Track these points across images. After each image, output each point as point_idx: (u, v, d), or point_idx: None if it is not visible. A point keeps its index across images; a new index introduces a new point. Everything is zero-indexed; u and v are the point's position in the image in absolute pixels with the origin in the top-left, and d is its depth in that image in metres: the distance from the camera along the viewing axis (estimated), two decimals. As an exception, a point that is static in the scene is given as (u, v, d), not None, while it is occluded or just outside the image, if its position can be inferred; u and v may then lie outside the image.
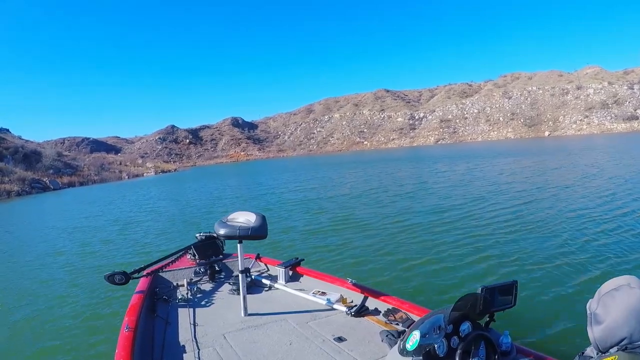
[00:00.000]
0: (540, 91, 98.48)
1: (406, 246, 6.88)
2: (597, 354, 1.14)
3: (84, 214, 16.56)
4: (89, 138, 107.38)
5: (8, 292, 6.42)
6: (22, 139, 64.97)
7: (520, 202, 10.10)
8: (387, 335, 2.37)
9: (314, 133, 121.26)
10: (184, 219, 12.24)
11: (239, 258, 2.98)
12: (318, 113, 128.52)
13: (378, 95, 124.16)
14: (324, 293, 3.14)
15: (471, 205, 10.20)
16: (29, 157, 46.39)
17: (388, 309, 2.76)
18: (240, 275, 2.96)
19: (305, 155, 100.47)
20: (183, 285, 3.59)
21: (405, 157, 41.76)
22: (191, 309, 3.07)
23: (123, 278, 3.26)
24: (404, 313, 2.66)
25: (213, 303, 3.26)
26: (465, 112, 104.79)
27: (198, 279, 3.80)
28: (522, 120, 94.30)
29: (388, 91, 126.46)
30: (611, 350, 1.09)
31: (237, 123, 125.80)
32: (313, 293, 3.17)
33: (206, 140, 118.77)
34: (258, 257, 4.12)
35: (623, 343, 1.07)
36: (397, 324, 2.60)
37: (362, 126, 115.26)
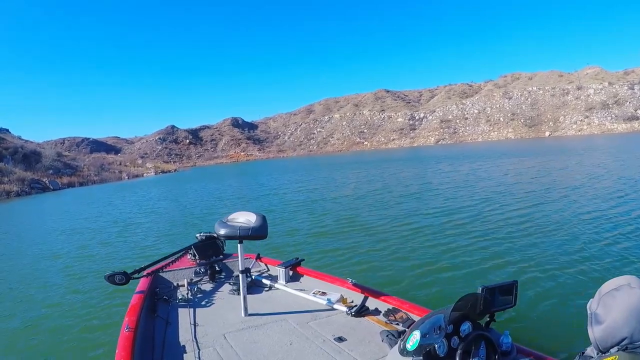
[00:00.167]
0: (541, 91, 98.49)
1: (406, 246, 6.87)
2: (598, 354, 1.14)
3: (84, 214, 16.56)
4: (89, 138, 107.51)
5: (7, 291, 6.43)
6: (22, 139, 65.01)
7: (524, 202, 10.07)
8: (387, 335, 2.38)
9: (314, 133, 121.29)
10: (185, 221, 12.16)
11: (239, 258, 2.98)
12: (318, 113, 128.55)
13: (378, 96, 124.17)
14: (324, 293, 3.14)
15: (475, 206, 10.18)
16: (29, 157, 46.38)
17: (388, 309, 2.76)
18: (240, 275, 2.96)
19: (305, 155, 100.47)
20: (183, 286, 3.59)
21: (407, 158, 41.74)
22: (191, 309, 3.07)
23: (123, 278, 3.27)
24: (405, 313, 2.67)
25: (213, 303, 3.26)
26: (466, 113, 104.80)
27: (198, 279, 3.80)
28: (522, 121, 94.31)
29: (388, 91, 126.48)
30: (612, 350, 1.09)
31: (237, 123, 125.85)
32: (313, 293, 3.17)
33: (206, 141, 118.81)
34: (258, 257, 4.12)
35: (623, 343, 1.07)
36: (398, 324, 2.61)
37: (362, 126, 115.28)
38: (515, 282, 1.86)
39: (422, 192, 13.75)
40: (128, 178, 53.59)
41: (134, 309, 2.73)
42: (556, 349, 3.17)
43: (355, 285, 3.05)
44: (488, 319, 1.88)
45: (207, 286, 3.67)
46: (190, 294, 3.39)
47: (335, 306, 2.97)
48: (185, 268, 3.91)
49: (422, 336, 1.60)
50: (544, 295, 4.40)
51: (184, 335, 2.66)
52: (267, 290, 3.52)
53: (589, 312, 1.16)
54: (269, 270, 3.99)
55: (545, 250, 6.02)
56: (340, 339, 2.48)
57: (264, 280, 3.66)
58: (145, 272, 3.52)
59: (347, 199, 13.71)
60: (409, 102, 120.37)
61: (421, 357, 1.60)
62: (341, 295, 3.07)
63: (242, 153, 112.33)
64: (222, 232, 2.85)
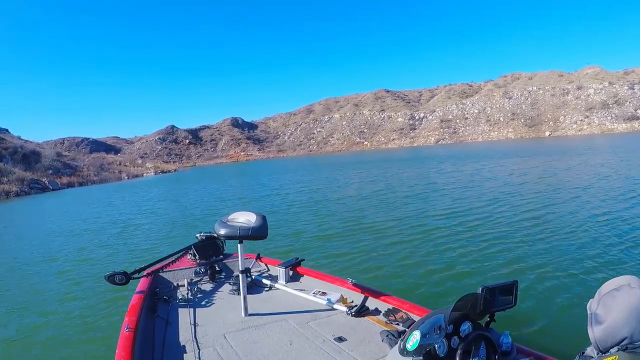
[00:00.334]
0: (541, 91, 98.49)
1: (406, 246, 6.88)
2: (598, 354, 1.14)
3: (83, 215, 16.55)
4: (89, 138, 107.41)
5: (7, 292, 6.43)
6: (22, 139, 64.87)
7: (531, 203, 10.05)
8: (387, 335, 2.38)
9: (314, 133, 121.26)
10: (186, 222, 12.05)
11: (240, 258, 2.98)
12: (318, 113, 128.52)
13: (378, 96, 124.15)
14: (324, 293, 3.14)
15: (483, 207, 10.13)
16: (28, 157, 46.37)
17: (388, 309, 2.76)
18: (240, 275, 2.96)
19: (305, 155, 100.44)
20: (183, 286, 3.59)
21: (408, 158, 41.68)
22: (191, 309, 3.07)
23: (123, 278, 3.27)
24: (405, 313, 2.67)
25: (213, 303, 3.26)
26: (466, 112, 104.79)
27: (198, 279, 3.80)
28: (522, 121, 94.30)
29: (388, 91, 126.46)
30: (612, 350, 1.09)
31: (237, 123, 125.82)
32: (313, 293, 3.17)
33: (206, 141, 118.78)
34: (258, 257, 4.12)
35: (623, 343, 1.07)
36: (398, 324, 2.61)
37: (362, 126, 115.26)
38: (515, 282, 1.86)
39: (426, 192, 13.67)
40: (128, 178, 53.56)
41: (134, 309, 2.73)
42: (556, 349, 3.17)
43: (355, 285, 3.05)
44: (488, 319, 1.88)
45: (207, 286, 3.67)
46: (190, 294, 3.39)
47: (335, 306, 2.97)
48: (185, 268, 3.90)
49: (422, 336, 1.60)
50: (544, 295, 4.40)
51: (184, 335, 2.66)
52: (267, 290, 3.52)
53: (589, 312, 1.16)
54: (269, 270, 3.98)
55: (545, 250, 6.03)
56: (340, 339, 2.48)
57: (264, 280, 3.66)
58: (145, 272, 3.52)
59: (350, 199, 13.66)
60: (409, 102, 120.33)
61: (421, 357, 1.60)
62: (341, 295, 3.07)
63: (242, 153, 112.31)
64: (222, 232, 2.85)
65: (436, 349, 1.61)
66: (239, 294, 3.05)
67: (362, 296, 2.94)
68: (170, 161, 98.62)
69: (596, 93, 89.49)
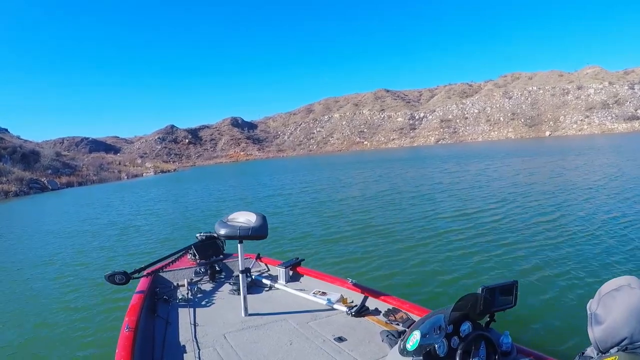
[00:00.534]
0: (541, 91, 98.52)
1: (406, 246, 6.87)
2: (598, 354, 1.14)
3: (82, 216, 16.53)
4: (88, 138, 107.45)
5: (7, 292, 6.43)
6: (21, 139, 64.89)
7: (536, 203, 10.01)
8: (387, 336, 2.38)
9: (313, 133, 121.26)
10: (186, 224, 11.92)
11: (240, 258, 2.98)
12: (318, 113, 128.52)
13: (378, 95, 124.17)
14: (324, 293, 3.14)
15: (488, 209, 10.08)
16: (27, 157, 46.38)
17: (388, 309, 2.76)
18: (240, 275, 2.96)
19: (305, 155, 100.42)
20: (183, 285, 3.59)
21: (409, 158, 41.63)
22: (191, 309, 3.07)
23: (123, 278, 3.27)
24: (405, 313, 2.67)
25: (213, 303, 3.26)
26: (466, 112, 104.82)
27: (198, 279, 3.80)
28: (522, 120, 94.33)
29: (388, 91, 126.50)
30: (612, 351, 1.09)
31: (236, 123, 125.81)
32: (313, 293, 3.17)
33: (206, 140, 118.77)
34: (258, 257, 4.12)
35: (623, 343, 1.07)
36: (398, 324, 2.61)
37: (362, 126, 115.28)
38: (515, 282, 1.86)
39: (432, 193, 13.52)
40: (127, 178, 53.54)
41: (134, 309, 2.73)
42: (556, 349, 3.18)
43: (355, 285, 3.05)
44: (488, 319, 1.88)
45: (207, 286, 3.67)
46: (190, 294, 3.39)
47: (335, 306, 2.97)
48: (185, 268, 3.90)
49: (422, 336, 1.60)
50: (545, 296, 4.40)
51: (184, 335, 2.66)
52: (267, 290, 3.52)
53: (589, 312, 1.16)
54: (269, 270, 3.98)
55: (547, 250, 6.02)
56: (340, 339, 2.48)
57: (264, 280, 3.66)
58: (145, 272, 3.52)
59: (354, 200, 13.57)
60: (409, 102, 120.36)
61: (421, 357, 1.60)
62: (341, 295, 3.07)
63: (242, 153, 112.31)
64: (222, 232, 2.85)
65: (436, 349, 1.61)
66: (239, 294, 3.04)
67: (362, 296, 2.94)
68: (169, 161, 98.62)
69: (596, 93, 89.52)
